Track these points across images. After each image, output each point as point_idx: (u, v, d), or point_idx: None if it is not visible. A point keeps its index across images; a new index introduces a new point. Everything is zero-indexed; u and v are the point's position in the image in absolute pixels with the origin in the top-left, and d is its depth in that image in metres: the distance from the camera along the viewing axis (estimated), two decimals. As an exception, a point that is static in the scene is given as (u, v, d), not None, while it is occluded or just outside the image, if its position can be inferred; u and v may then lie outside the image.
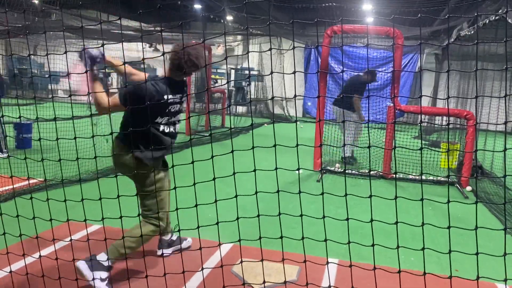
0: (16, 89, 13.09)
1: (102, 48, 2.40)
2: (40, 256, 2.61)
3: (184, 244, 3.36)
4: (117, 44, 2.61)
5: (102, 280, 2.61)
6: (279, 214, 2.19)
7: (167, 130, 2.79)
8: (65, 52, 2.24)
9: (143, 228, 2.72)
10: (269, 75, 1.82)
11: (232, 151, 2.14)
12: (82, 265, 2.60)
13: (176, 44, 2.81)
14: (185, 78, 2.91)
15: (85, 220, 2.46)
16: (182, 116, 2.87)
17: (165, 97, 2.70)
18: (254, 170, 2.08)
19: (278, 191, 2.16)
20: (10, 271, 2.66)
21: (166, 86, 2.73)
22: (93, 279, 2.58)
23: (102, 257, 2.65)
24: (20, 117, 2.41)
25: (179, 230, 2.62)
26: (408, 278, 2.41)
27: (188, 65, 2.72)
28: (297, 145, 2.10)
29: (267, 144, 2.17)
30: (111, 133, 2.61)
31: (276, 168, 2.06)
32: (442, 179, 6.21)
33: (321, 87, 6.74)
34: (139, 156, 2.72)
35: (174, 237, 3.32)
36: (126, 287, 2.64)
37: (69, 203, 2.47)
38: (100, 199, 2.36)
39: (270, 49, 2.10)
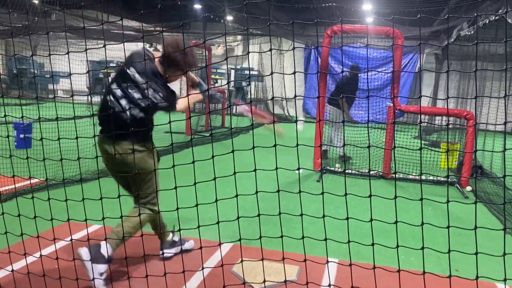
0: (18, 89, 13.09)
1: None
2: (41, 255, 2.62)
3: (186, 246, 3.34)
4: (117, 45, 2.62)
5: (100, 274, 2.62)
6: (279, 213, 2.20)
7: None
8: (67, 53, 2.25)
9: (140, 215, 2.71)
10: (269, 75, 1.82)
11: (233, 151, 2.14)
12: (84, 253, 2.61)
13: (175, 40, 2.80)
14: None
15: (85, 220, 2.47)
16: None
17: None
18: (255, 170, 2.08)
19: (278, 191, 2.16)
20: (12, 270, 2.67)
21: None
22: (93, 278, 2.59)
23: (104, 247, 2.66)
24: (22, 117, 2.42)
25: (179, 230, 2.62)
26: (408, 278, 2.42)
27: (175, 62, 2.77)
28: (297, 145, 2.11)
29: (267, 144, 2.17)
30: (113, 133, 2.62)
31: (276, 168, 2.07)
32: (442, 179, 6.22)
33: (321, 87, 6.75)
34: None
35: (176, 238, 3.31)
36: (126, 286, 2.64)
37: (70, 202, 2.48)
38: (101, 198, 2.36)
39: (271, 50, 2.10)
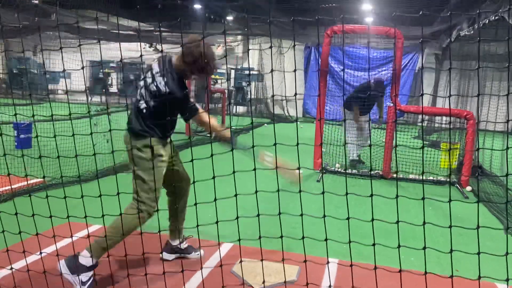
0: (17, 89, 13.08)
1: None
2: (40, 253, 2.60)
3: (193, 255, 3.23)
4: (116, 44, 2.61)
5: (83, 283, 2.55)
6: (279, 213, 2.19)
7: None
8: (60, 48, 2.24)
9: (130, 217, 2.64)
10: (269, 73, 1.82)
11: (232, 150, 2.14)
12: (62, 268, 2.55)
13: (192, 37, 2.80)
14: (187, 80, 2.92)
15: (85, 217, 2.45)
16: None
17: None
18: (254, 169, 2.08)
19: (278, 190, 2.16)
20: (11, 268, 2.65)
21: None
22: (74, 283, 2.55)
23: (85, 254, 2.58)
24: (24, 118, 2.41)
25: (183, 239, 2.59)
26: (408, 278, 2.40)
27: (195, 59, 2.72)
28: (297, 144, 2.10)
29: (267, 144, 2.17)
30: (111, 134, 2.61)
31: (276, 167, 2.06)
32: (442, 179, 6.21)
33: (321, 87, 6.74)
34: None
35: (183, 246, 3.21)
36: (126, 286, 2.63)
37: (69, 203, 2.46)
38: (100, 197, 2.35)
39: (271, 50, 2.10)
